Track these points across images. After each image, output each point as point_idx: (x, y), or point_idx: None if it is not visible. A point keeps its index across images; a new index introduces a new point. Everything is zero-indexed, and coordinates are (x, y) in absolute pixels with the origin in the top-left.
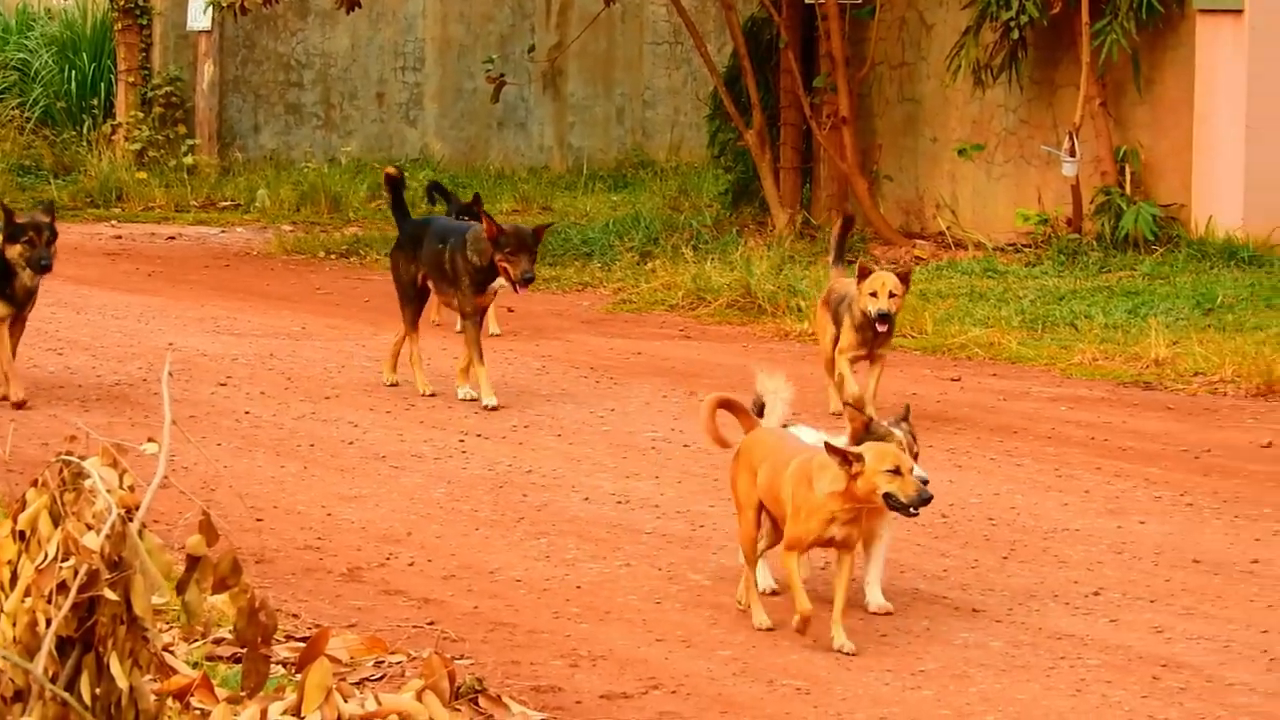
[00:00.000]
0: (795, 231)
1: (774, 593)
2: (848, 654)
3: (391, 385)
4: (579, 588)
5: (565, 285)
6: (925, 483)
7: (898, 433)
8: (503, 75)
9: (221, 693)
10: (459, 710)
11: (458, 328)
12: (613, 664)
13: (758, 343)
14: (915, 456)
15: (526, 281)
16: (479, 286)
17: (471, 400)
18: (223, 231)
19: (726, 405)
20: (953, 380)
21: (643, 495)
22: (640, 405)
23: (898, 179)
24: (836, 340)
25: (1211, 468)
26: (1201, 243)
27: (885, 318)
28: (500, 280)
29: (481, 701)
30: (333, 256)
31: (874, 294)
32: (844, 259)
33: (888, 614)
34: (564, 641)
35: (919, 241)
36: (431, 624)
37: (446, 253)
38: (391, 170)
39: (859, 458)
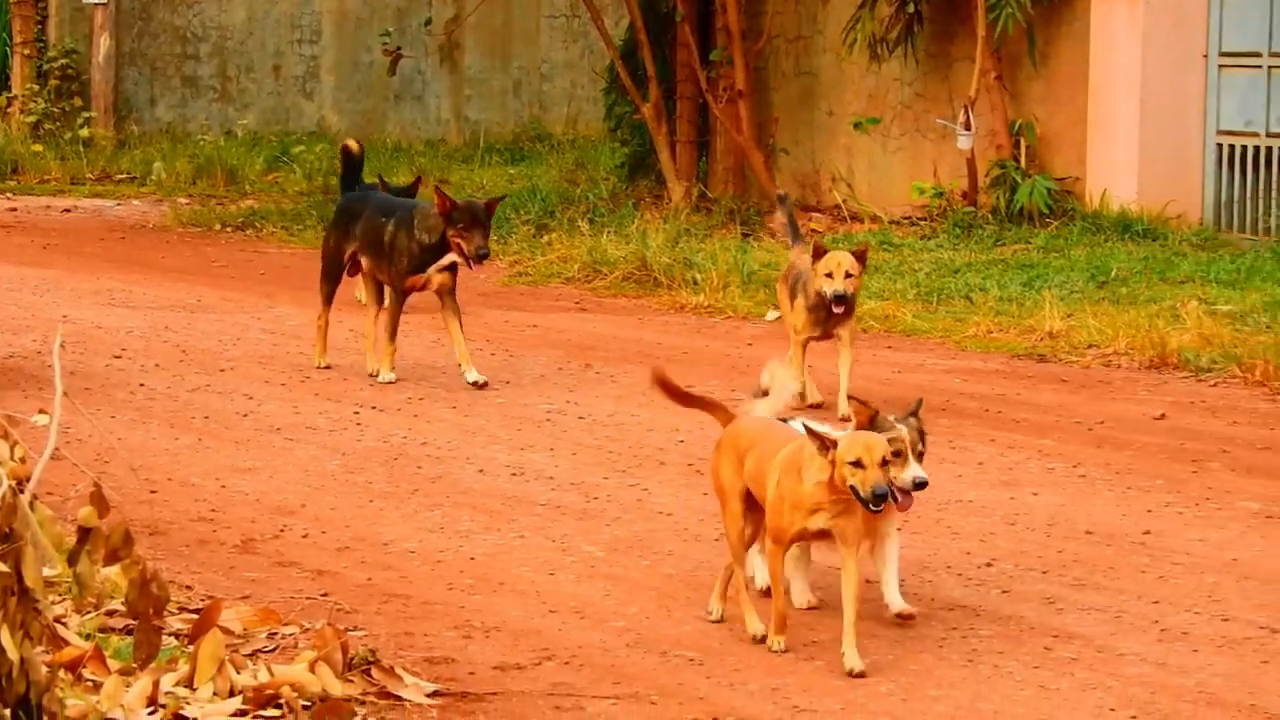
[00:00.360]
0: (691, 204)
1: (765, 592)
2: (855, 675)
3: (325, 368)
4: (473, 559)
5: None
6: (920, 484)
7: (902, 429)
8: (399, 48)
9: (114, 664)
10: (351, 681)
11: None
12: (506, 635)
13: (653, 315)
14: (921, 454)
15: (481, 258)
16: (421, 265)
17: (384, 381)
18: (118, 204)
19: (677, 396)
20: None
21: (537, 467)
22: (535, 378)
23: (794, 152)
24: None
25: (1104, 440)
26: (1096, 216)
27: (841, 299)
28: (451, 256)
29: (374, 673)
30: (229, 229)
31: (829, 275)
32: (800, 236)
33: (910, 617)
34: (458, 613)
35: (815, 214)
36: (325, 596)
37: (389, 228)
38: (352, 145)
39: (835, 444)
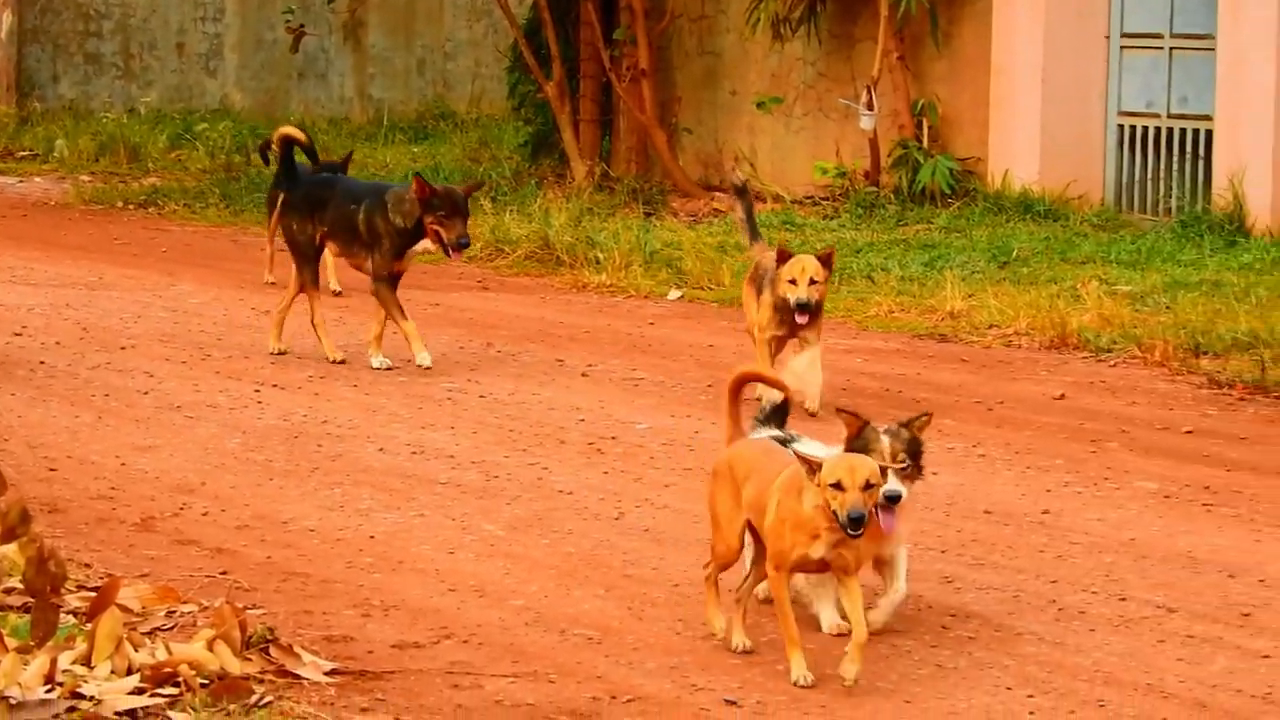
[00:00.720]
0: (594, 184)
1: (766, 600)
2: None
3: (280, 354)
4: (372, 538)
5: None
6: (893, 498)
7: (885, 440)
8: (302, 26)
9: (11, 642)
10: (250, 659)
11: (334, 285)
12: (405, 614)
13: (556, 294)
14: (909, 467)
15: (462, 247)
16: (399, 250)
17: (388, 369)
18: (20, 182)
19: (752, 379)
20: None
21: (438, 445)
22: (436, 356)
23: (697, 131)
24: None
25: (1004, 419)
26: (998, 196)
27: (805, 308)
28: (425, 243)
29: (273, 651)
30: (131, 207)
31: (793, 281)
32: (759, 233)
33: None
34: (357, 591)
35: (718, 194)
36: (224, 574)
37: (361, 214)
38: (298, 134)
39: (821, 467)
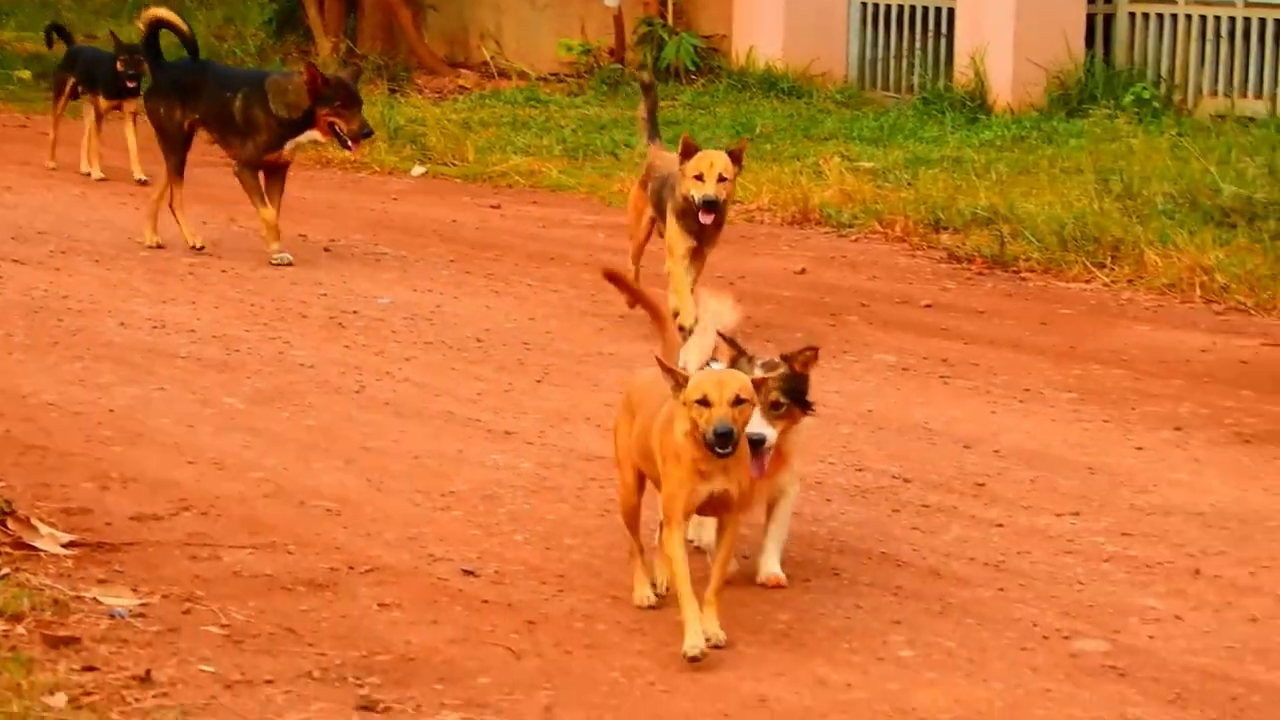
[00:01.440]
0: (339, 60)
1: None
2: (716, 647)
3: (156, 248)
4: (112, 411)
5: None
6: (760, 443)
7: (758, 373)
8: None
9: None
10: None
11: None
12: (144, 486)
13: (299, 170)
14: (779, 405)
15: (364, 136)
16: (278, 141)
17: (287, 265)
18: None
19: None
20: (493, 208)
21: (179, 320)
22: (179, 232)
23: (443, 9)
24: (652, 229)
25: (746, 293)
26: (742, 73)
27: (712, 205)
28: (313, 134)
29: (10, 524)
30: None
31: (699, 176)
32: (659, 132)
33: (779, 587)
34: (95, 464)
35: (464, 71)
36: None
37: (238, 103)
38: (179, 23)
39: (687, 380)
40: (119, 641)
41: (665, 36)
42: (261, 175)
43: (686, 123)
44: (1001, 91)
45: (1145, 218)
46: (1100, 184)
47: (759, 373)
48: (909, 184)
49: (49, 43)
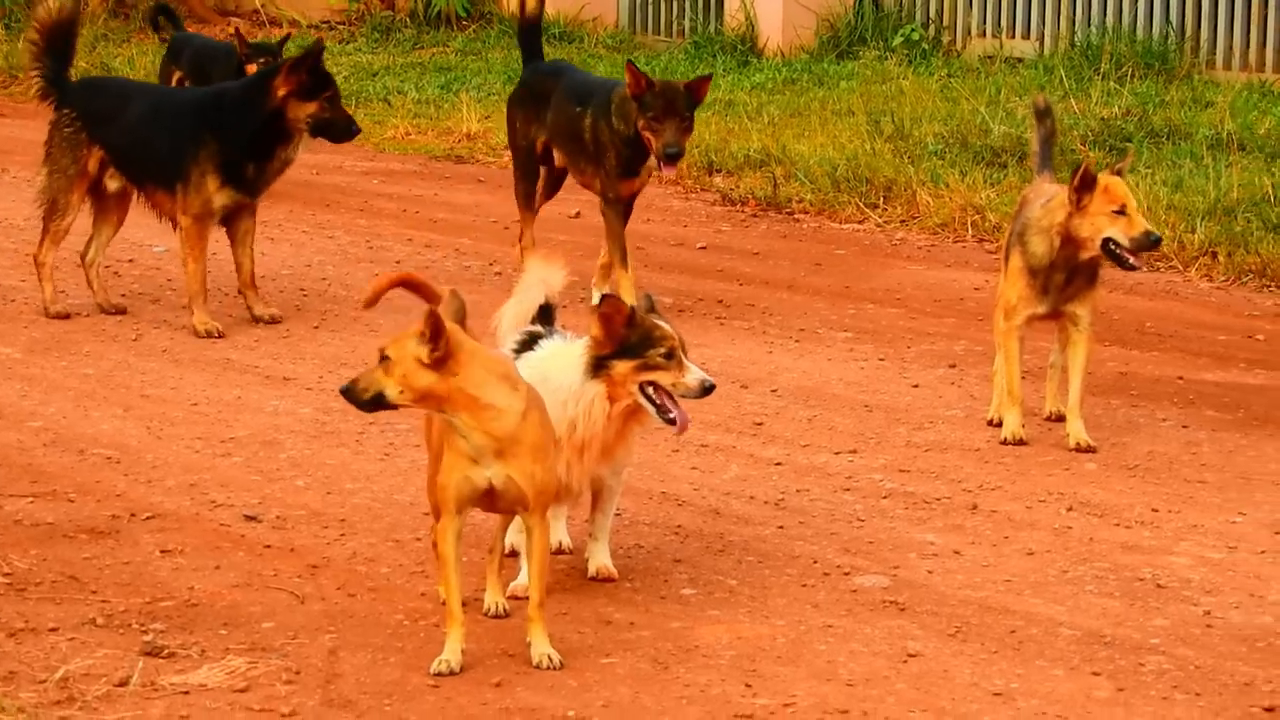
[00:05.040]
0: (108, 9)
1: (513, 553)
2: (550, 668)
3: None
4: None
5: None
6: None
7: (664, 325)
8: None
9: None
10: None
11: None
12: None
13: None
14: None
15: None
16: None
17: None
18: None
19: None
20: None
21: None
22: None
23: None
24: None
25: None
26: (513, 19)
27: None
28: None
29: None
30: None
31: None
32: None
33: (610, 580)
34: None
35: (234, 19)
36: None
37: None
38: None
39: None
40: None
41: None
42: None
43: (458, 69)
44: (772, 34)
45: (917, 158)
46: (872, 125)
47: (665, 325)
48: None
49: (155, 27)
